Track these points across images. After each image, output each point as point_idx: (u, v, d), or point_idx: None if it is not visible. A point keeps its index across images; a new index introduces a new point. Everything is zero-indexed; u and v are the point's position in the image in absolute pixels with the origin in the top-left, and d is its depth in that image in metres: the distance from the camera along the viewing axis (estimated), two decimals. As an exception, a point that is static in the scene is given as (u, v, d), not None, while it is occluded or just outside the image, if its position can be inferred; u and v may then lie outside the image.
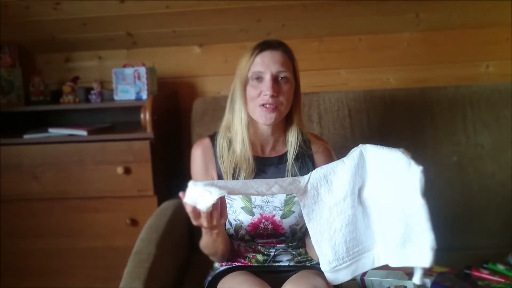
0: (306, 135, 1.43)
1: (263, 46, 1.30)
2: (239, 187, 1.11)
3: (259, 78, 1.29)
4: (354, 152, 1.17)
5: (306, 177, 1.19)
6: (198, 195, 1.05)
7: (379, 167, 1.13)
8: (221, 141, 1.38)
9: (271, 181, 1.15)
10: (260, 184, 1.13)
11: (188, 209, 1.08)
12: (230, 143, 1.37)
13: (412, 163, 1.07)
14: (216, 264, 1.48)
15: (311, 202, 1.18)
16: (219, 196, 1.03)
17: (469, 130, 1.90)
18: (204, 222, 1.10)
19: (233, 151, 1.35)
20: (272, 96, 1.26)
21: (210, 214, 1.09)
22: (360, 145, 1.17)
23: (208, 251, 1.37)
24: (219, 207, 1.11)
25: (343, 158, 1.19)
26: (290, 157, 1.38)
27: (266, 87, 1.26)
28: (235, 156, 1.34)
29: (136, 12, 2.01)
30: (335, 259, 1.16)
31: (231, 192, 1.09)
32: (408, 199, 1.07)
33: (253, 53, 1.29)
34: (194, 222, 1.11)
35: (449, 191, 1.86)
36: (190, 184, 1.07)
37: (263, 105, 1.28)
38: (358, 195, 1.16)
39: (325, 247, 1.17)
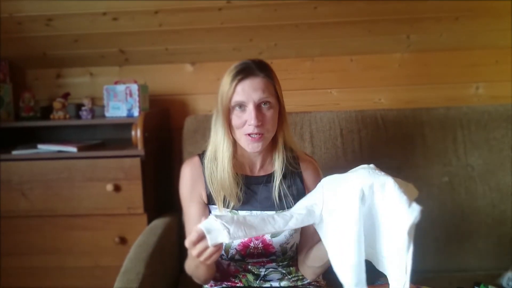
0: (294, 153, 1.42)
1: (243, 74, 1.26)
2: (257, 223, 1.09)
3: (241, 107, 1.26)
4: (359, 173, 1.12)
5: (319, 204, 1.16)
6: (214, 227, 1.04)
7: (378, 193, 1.11)
8: (209, 165, 1.36)
9: (286, 215, 1.13)
10: (277, 219, 1.11)
11: (195, 234, 1.05)
12: (217, 167, 1.35)
13: (413, 204, 1.05)
14: (206, 285, 1.46)
15: (330, 228, 1.14)
16: (234, 239, 1.04)
17: (460, 151, 1.91)
18: (195, 251, 1.06)
19: (218, 180, 1.34)
20: (257, 126, 1.24)
21: (205, 248, 1.06)
22: (367, 167, 1.13)
23: (190, 272, 1.35)
24: (219, 248, 1.08)
25: (349, 173, 1.14)
26: (277, 176, 1.36)
27: (250, 117, 1.24)
28: (221, 185, 1.33)
29: (129, 30, 2.01)
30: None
31: (248, 234, 1.07)
32: (398, 231, 1.05)
33: (233, 82, 1.25)
34: (187, 245, 1.07)
35: (440, 211, 1.86)
36: (212, 215, 1.09)
37: (248, 134, 1.26)
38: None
39: (355, 271, 1.11)
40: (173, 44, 2.14)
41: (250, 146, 1.28)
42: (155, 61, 2.28)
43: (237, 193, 1.32)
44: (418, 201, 1.87)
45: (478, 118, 1.94)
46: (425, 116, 1.95)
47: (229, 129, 1.29)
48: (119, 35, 2.05)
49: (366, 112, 1.98)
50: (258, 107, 1.25)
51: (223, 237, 1.03)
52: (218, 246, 1.07)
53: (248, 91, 1.25)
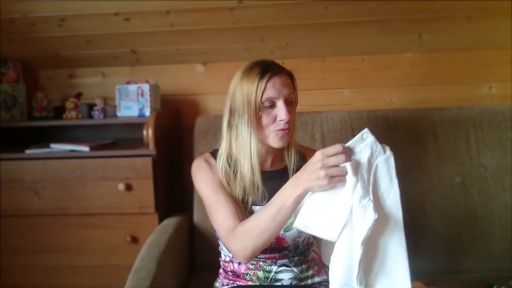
0: (300, 149, 1.45)
1: (272, 71, 1.28)
2: None
3: (271, 104, 1.27)
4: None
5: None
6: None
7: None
8: (223, 166, 1.35)
9: None
10: None
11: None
12: (235, 170, 1.35)
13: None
14: (217, 284, 1.47)
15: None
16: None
17: (473, 151, 1.89)
18: (334, 160, 1.03)
19: (241, 178, 1.33)
20: (287, 121, 1.27)
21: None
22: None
23: (269, 232, 1.15)
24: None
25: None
26: (291, 171, 1.38)
27: (281, 112, 1.26)
28: (243, 183, 1.33)
29: (141, 30, 2.02)
30: None
31: None
32: (388, 234, 1.05)
33: (263, 78, 1.26)
34: (337, 149, 1.04)
35: (452, 212, 1.85)
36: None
37: (279, 130, 1.28)
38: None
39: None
40: (185, 44, 2.15)
41: (279, 142, 1.29)
42: (166, 61, 2.29)
43: (263, 191, 1.32)
44: (431, 202, 1.86)
45: (491, 118, 1.92)
46: (438, 116, 1.94)
47: (257, 127, 1.29)
48: (131, 35, 2.06)
49: (378, 112, 1.97)
50: (286, 103, 1.28)
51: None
52: (343, 174, 1.03)
53: (279, 87, 1.27)
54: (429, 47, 2.18)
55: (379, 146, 1.08)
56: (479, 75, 2.23)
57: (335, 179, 1.03)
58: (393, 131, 1.92)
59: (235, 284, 1.41)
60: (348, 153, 1.04)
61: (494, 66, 2.21)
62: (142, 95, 2.05)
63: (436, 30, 2.08)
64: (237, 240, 1.21)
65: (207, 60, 2.29)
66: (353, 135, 1.91)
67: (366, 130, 1.08)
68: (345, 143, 1.04)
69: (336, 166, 1.03)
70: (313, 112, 1.99)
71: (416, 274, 1.60)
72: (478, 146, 1.89)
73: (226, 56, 2.24)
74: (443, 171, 1.89)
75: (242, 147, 1.31)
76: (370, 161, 1.06)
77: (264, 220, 1.14)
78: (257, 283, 1.40)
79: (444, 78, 2.24)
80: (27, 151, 1.92)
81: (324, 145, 1.91)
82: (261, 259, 1.39)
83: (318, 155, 1.05)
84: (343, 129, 1.93)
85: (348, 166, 1.02)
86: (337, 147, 1.03)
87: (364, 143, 1.07)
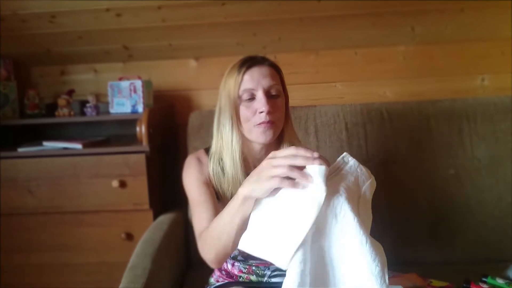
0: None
1: (250, 62, 1.25)
2: None
3: (251, 97, 1.23)
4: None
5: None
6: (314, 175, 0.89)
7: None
8: (214, 167, 1.31)
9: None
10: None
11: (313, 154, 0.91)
12: (223, 168, 1.30)
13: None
14: (212, 280, 1.47)
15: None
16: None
17: (466, 144, 1.90)
18: (280, 161, 0.92)
19: (227, 176, 1.28)
20: (268, 113, 1.21)
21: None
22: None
23: (224, 236, 1.08)
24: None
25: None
26: None
27: (261, 103, 1.21)
28: (228, 181, 1.28)
29: (132, 26, 2.01)
30: None
31: None
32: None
33: (241, 70, 1.23)
34: (292, 151, 0.92)
35: (446, 204, 1.85)
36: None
37: (260, 123, 1.22)
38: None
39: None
40: (177, 40, 2.14)
41: (263, 136, 1.23)
42: (159, 56, 2.28)
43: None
44: (425, 194, 1.87)
45: (484, 110, 1.92)
46: (431, 109, 1.94)
47: (238, 122, 1.25)
48: (123, 31, 2.05)
49: (371, 106, 1.97)
50: (267, 94, 1.23)
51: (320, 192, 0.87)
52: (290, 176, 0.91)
53: (257, 78, 1.23)
54: (422, 39, 2.18)
55: (363, 169, 0.99)
56: (472, 67, 2.23)
57: (276, 180, 0.91)
58: (386, 124, 1.92)
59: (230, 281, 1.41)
60: (315, 159, 0.90)
61: (486, 58, 2.22)
62: (135, 91, 2.04)
63: (429, 23, 2.08)
64: (202, 243, 1.19)
65: (199, 55, 2.28)
66: (347, 129, 1.93)
67: (345, 154, 1.00)
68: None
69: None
70: (306, 106, 1.99)
71: (411, 266, 1.62)
72: (471, 138, 1.90)
73: (219, 51, 2.23)
74: (437, 163, 1.89)
75: (226, 143, 1.27)
76: (358, 185, 0.97)
77: (219, 224, 1.09)
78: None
79: (437, 71, 2.24)
80: (20, 149, 1.90)
81: (317, 139, 1.91)
82: (253, 264, 1.38)
83: (269, 155, 0.97)
84: (336, 123, 1.93)
85: (314, 168, 0.89)
86: (290, 149, 0.93)
87: (348, 166, 0.99)
